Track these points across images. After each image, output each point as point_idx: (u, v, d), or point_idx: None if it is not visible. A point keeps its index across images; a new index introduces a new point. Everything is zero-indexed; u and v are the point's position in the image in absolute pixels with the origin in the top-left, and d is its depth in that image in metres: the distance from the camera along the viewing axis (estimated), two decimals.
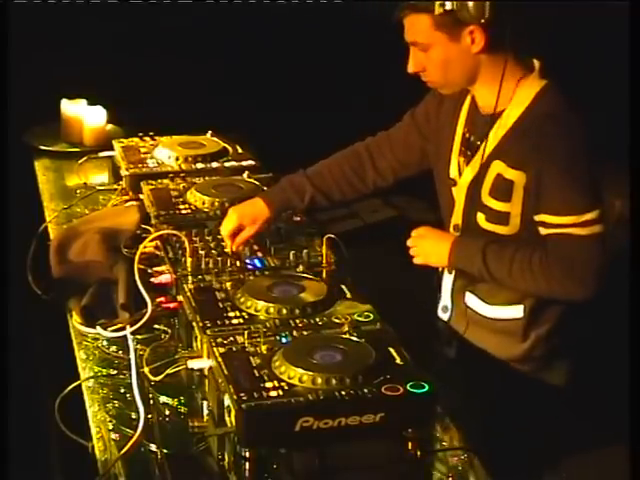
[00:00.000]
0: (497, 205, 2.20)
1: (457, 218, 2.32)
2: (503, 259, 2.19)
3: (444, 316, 2.42)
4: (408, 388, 1.76)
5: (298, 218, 2.54)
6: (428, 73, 2.21)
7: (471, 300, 2.34)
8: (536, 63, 2.21)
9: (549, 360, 2.36)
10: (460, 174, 2.29)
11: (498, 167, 2.18)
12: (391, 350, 1.87)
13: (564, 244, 2.12)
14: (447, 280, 2.39)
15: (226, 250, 2.33)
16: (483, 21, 2.08)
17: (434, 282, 2.46)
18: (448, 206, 2.35)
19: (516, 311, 2.29)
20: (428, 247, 2.30)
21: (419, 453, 1.79)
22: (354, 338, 1.91)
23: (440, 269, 2.40)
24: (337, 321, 2.00)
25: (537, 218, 2.16)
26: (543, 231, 2.16)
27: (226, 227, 2.37)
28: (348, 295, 2.12)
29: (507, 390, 2.34)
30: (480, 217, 2.24)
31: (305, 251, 2.31)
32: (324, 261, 2.27)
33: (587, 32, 4.24)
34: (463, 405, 2.17)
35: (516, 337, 2.30)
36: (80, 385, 2.12)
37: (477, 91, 2.24)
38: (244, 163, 2.93)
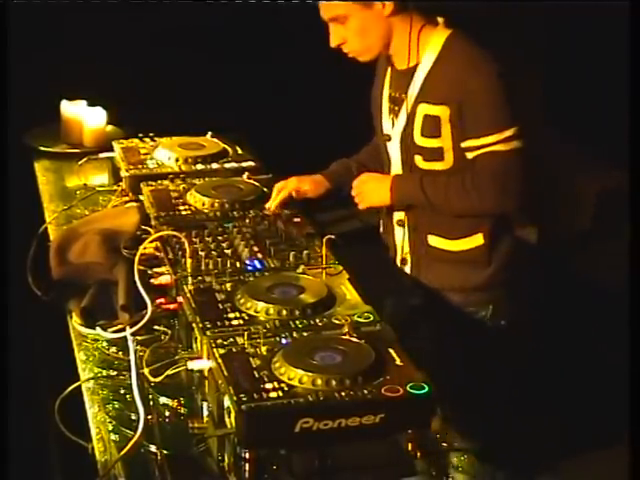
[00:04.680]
0: (430, 142, 2.44)
1: (395, 169, 2.57)
2: (438, 185, 2.45)
3: (404, 269, 2.62)
4: (408, 389, 1.76)
5: (298, 219, 2.54)
6: (348, 44, 2.45)
7: (433, 240, 2.55)
8: (439, 19, 2.47)
9: (510, 287, 2.57)
10: (392, 129, 2.54)
11: (424, 109, 2.44)
12: (391, 351, 1.87)
13: (490, 161, 2.39)
14: (399, 233, 2.61)
15: (226, 251, 2.33)
16: None
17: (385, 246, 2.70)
18: (386, 162, 2.60)
19: (476, 239, 2.51)
20: (370, 190, 2.54)
21: (419, 453, 1.79)
22: (354, 339, 1.91)
23: (390, 228, 2.62)
24: (337, 322, 2.00)
25: (464, 145, 2.42)
26: (470, 155, 2.42)
27: (281, 184, 2.63)
28: (348, 296, 2.11)
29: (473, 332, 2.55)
30: (417, 159, 2.49)
31: (305, 252, 2.31)
32: (324, 262, 2.27)
33: (587, 32, 4.24)
34: (436, 353, 2.34)
35: (480, 264, 2.53)
36: (80, 386, 2.12)
37: (393, 52, 2.49)
38: (244, 164, 2.93)
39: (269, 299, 2.06)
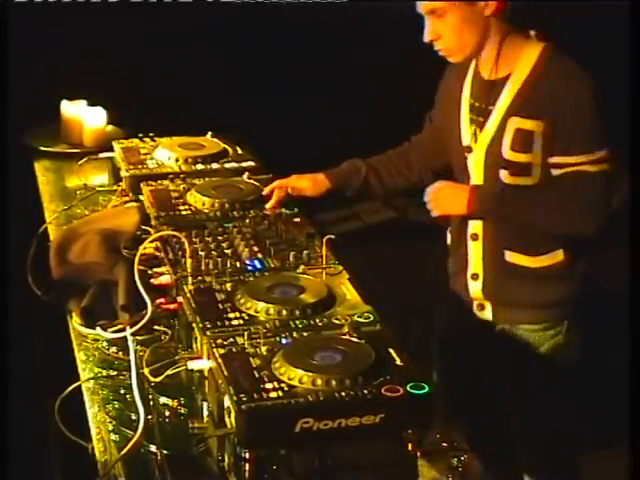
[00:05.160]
0: (519, 157, 2.36)
1: (476, 182, 2.46)
2: (521, 201, 2.38)
3: (475, 284, 2.52)
4: (408, 389, 1.76)
5: (298, 219, 2.54)
6: (443, 40, 2.36)
7: (511, 256, 2.47)
8: (531, 31, 2.39)
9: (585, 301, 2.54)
10: (475, 141, 2.44)
11: (516, 123, 2.35)
12: (391, 351, 1.87)
13: (577, 181, 2.32)
14: (472, 247, 2.51)
15: (226, 251, 2.33)
16: None
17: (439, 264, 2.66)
18: (463, 174, 2.49)
19: (557, 255, 2.45)
20: (446, 197, 2.45)
21: (419, 453, 1.79)
22: (354, 339, 1.91)
23: (462, 241, 2.53)
24: (337, 322, 2.00)
25: (552, 160, 2.34)
26: (557, 172, 2.34)
27: (280, 180, 2.61)
28: (348, 296, 2.11)
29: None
30: (503, 173, 2.39)
31: (305, 252, 2.31)
32: (324, 262, 2.27)
33: (587, 32, 4.24)
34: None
35: (559, 280, 2.47)
36: (80, 386, 2.12)
37: (483, 58, 2.40)
38: (244, 164, 2.92)
39: (269, 299, 2.06)
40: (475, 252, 2.50)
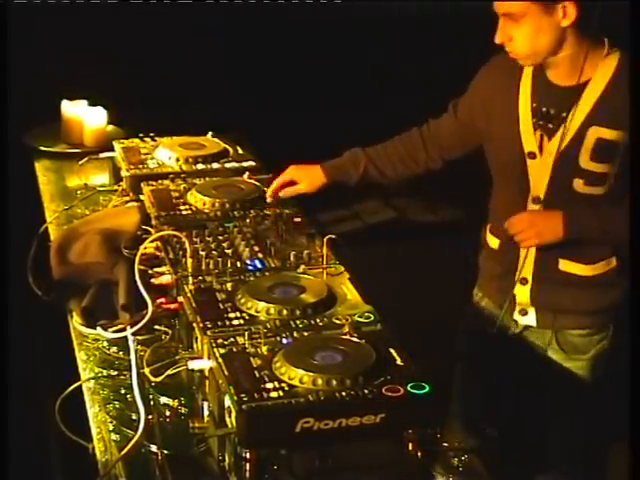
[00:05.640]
0: (599, 167, 2.32)
1: (538, 190, 2.41)
2: (612, 217, 2.34)
3: (523, 288, 2.49)
4: (409, 389, 1.76)
5: (298, 219, 2.54)
6: (515, 43, 2.30)
7: (565, 265, 2.44)
8: (605, 39, 2.34)
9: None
10: (541, 147, 2.37)
11: (597, 132, 2.31)
12: (392, 351, 1.87)
13: None
14: (528, 254, 2.46)
15: (226, 251, 2.33)
16: None
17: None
18: (518, 179, 2.43)
19: (610, 262, 2.43)
20: (540, 227, 2.37)
21: (419, 453, 1.80)
22: (354, 339, 1.91)
23: (511, 246, 2.47)
24: (338, 322, 2.00)
25: None
26: None
27: (280, 177, 2.59)
28: (349, 296, 2.11)
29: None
30: (577, 182, 2.34)
31: (306, 252, 2.31)
32: (324, 262, 2.27)
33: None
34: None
35: (611, 286, 2.45)
36: (80, 386, 2.12)
37: (555, 65, 2.34)
38: (245, 164, 2.93)
39: (270, 299, 2.06)
40: (528, 258, 2.46)
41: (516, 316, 2.53)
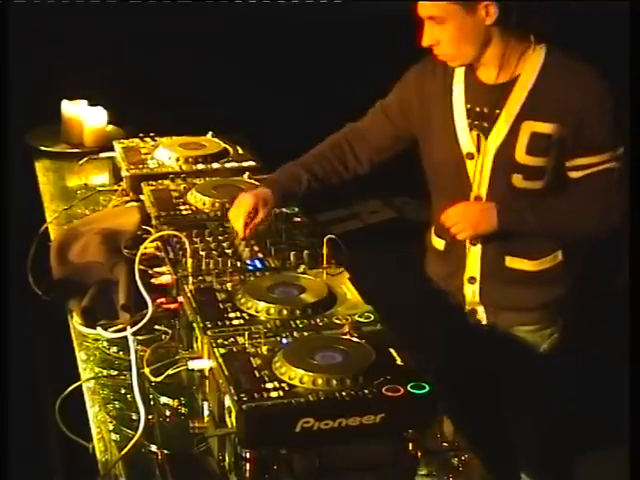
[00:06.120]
0: (535, 161, 2.32)
1: (480, 189, 2.41)
2: (549, 208, 2.34)
3: (471, 287, 2.50)
4: (408, 389, 1.76)
5: (298, 219, 2.54)
6: (442, 47, 2.31)
7: (511, 261, 2.44)
8: (531, 34, 2.33)
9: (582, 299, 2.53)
10: (479, 147, 2.37)
11: (530, 126, 2.31)
12: (391, 351, 1.87)
13: (602, 180, 2.30)
14: (474, 252, 2.47)
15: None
16: None
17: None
18: (460, 181, 2.42)
19: (556, 256, 2.44)
20: (474, 218, 2.38)
21: (419, 453, 1.80)
22: (354, 339, 1.91)
23: (459, 246, 2.47)
24: (338, 322, 2.00)
25: (572, 163, 2.33)
26: (576, 174, 2.33)
27: (240, 211, 2.39)
28: (349, 296, 2.11)
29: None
30: (516, 178, 2.35)
31: (306, 252, 2.31)
32: (324, 262, 2.27)
33: (587, 32, 4.24)
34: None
35: (557, 281, 2.46)
36: (81, 386, 2.12)
37: (483, 64, 2.34)
38: (245, 164, 2.93)
39: (270, 299, 2.06)
40: (474, 256, 2.47)
41: (467, 314, 2.53)
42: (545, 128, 2.30)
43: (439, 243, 2.56)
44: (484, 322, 2.52)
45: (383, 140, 2.57)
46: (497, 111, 2.34)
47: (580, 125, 2.27)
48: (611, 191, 2.31)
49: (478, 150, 2.38)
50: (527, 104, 2.31)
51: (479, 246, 2.45)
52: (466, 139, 2.39)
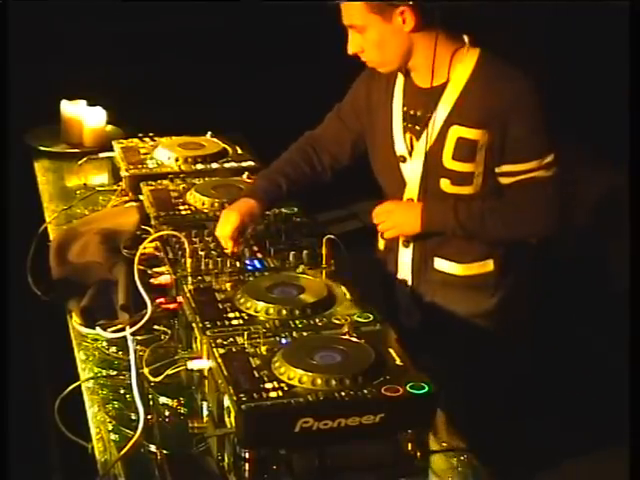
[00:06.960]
0: (462, 167, 2.32)
1: (411, 192, 2.42)
2: (473, 212, 2.33)
3: (404, 290, 2.50)
4: (408, 389, 1.76)
5: (298, 219, 2.54)
6: (366, 54, 2.33)
7: (441, 264, 2.44)
8: (465, 37, 2.34)
9: (517, 313, 2.49)
10: (411, 149, 2.39)
11: (458, 131, 2.30)
12: (391, 351, 1.87)
13: (530, 188, 2.29)
14: (405, 254, 2.48)
15: (226, 251, 2.33)
16: (411, 2, 2.21)
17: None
18: (396, 183, 2.44)
19: (487, 265, 2.42)
20: (399, 218, 2.41)
21: (419, 453, 1.79)
22: (354, 339, 1.91)
23: (394, 247, 2.49)
24: (337, 322, 2.00)
25: (500, 170, 2.32)
26: (506, 180, 2.33)
27: (226, 227, 2.35)
28: (348, 296, 2.11)
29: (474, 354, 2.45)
30: (444, 182, 2.35)
31: (305, 252, 2.31)
32: (324, 262, 2.27)
33: (587, 32, 4.24)
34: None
35: (487, 291, 2.44)
36: (80, 386, 2.12)
37: (414, 68, 2.36)
38: (244, 164, 2.93)
39: (269, 299, 2.06)
40: (405, 258, 2.48)
41: (402, 319, 2.51)
42: (471, 134, 2.29)
43: (381, 243, 2.58)
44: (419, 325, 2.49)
45: (342, 145, 2.57)
46: (429, 115, 2.34)
47: (504, 131, 2.26)
48: (540, 200, 2.30)
49: (410, 153, 2.39)
50: (455, 109, 2.31)
51: (410, 248, 2.46)
52: (401, 142, 2.41)
